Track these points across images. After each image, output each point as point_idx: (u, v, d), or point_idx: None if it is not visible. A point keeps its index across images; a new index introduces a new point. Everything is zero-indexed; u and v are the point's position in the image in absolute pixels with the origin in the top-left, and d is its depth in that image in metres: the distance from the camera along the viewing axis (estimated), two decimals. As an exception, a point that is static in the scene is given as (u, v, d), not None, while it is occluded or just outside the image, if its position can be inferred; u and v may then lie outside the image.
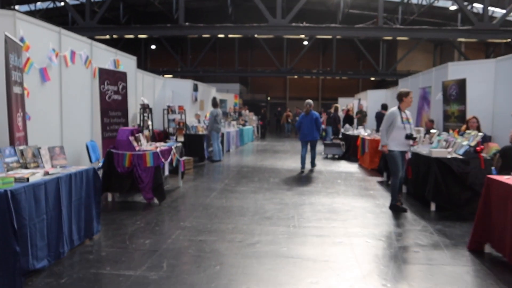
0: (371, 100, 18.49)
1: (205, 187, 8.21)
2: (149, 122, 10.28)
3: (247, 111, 22.08)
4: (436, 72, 11.16)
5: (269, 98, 38.70)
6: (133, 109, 10.22)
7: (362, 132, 13.36)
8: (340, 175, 9.87)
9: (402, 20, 29.17)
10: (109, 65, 9.02)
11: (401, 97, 6.65)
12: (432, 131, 8.36)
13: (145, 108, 10.21)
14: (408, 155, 6.82)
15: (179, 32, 20.42)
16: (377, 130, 12.96)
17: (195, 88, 15.81)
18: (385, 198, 7.33)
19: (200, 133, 12.19)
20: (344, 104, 22.96)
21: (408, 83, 13.49)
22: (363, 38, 25.17)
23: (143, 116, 10.26)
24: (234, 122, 16.48)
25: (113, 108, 8.82)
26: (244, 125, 18.68)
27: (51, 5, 29.68)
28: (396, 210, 6.57)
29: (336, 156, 13.55)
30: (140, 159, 6.78)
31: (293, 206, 6.67)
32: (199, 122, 13.70)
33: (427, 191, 6.57)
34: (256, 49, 37.32)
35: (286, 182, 8.81)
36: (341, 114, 17.21)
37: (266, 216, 6.04)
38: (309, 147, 10.85)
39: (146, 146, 7.35)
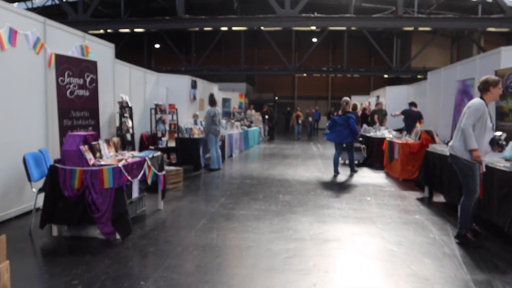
0: (390, 97, 16.26)
1: (193, 211, 6.07)
2: (129, 124, 8.17)
3: (253, 111, 19.93)
4: (482, 60, 8.90)
5: (276, 98, 36.51)
6: (110, 109, 8.13)
7: (387, 133, 11.14)
8: (367, 189, 7.67)
9: (419, 13, 26.82)
10: (73, 52, 6.93)
11: (488, 86, 4.52)
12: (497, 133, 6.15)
13: (123, 106, 8.10)
14: (483, 168, 4.62)
15: (179, 25, 18.36)
16: (407, 131, 10.77)
17: (194, 85, 13.70)
18: (439, 227, 5.14)
19: (196, 136, 10.06)
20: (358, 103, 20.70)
21: (441, 76, 11.24)
22: (380, 29, 22.77)
23: (121, 117, 8.17)
24: (237, 123, 14.34)
25: (77, 107, 6.73)
26: (249, 126, 16.52)
27: (49, 2, 27.81)
28: (467, 243, 4.44)
29: (356, 162, 11.33)
30: (94, 177, 4.67)
31: (313, 245, 4.50)
32: (196, 123, 11.58)
33: (510, 221, 4.37)
34: (263, 47, 35.16)
35: (300, 201, 6.64)
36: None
37: (274, 267, 3.88)
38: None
39: (108, 158, 5.23)
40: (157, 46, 35.64)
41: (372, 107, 16.45)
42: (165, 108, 9.60)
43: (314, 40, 30.75)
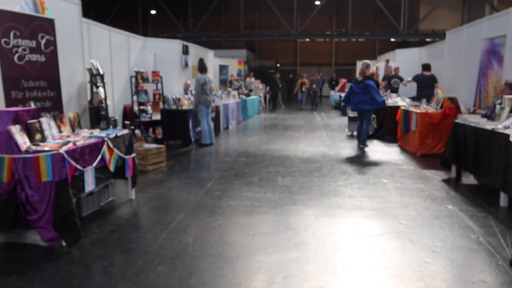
0: (400, 61, 14.73)
1: (172, 201, 4.88)
2: (102, 95, 6.88)
3: (252, 79, 18.48)
4: (517, 14, 7.45)
5: (278, 65, 34.78)
6: (79, 77, 6.82)
7: (400, 101, 9.80)
8: (382, 168, 6.43)
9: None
10: (22, 8, 5.56)
11: None
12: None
13: (94, 75, 6.79)
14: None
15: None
16: (418, 98, 9.43)
17: (185, 51, 12.28)
18: (480, 224, 3.93)
19: (184, 108, 8.77)
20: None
21: (462, 35, 9.75)
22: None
23: (92, 88, 6.89)
24: (234, 92, 12.99)
25: (30, 76, 5.43)
26: (248, 95, 15.16)
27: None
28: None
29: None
30: (28, 168, 3.45)
31: (319, 256, 3.31)
32: (186, 93, 10.27)
33: None
34: (264, 11, 33.16)
35: (303, 186, 5.42)
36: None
37: (265, 298, 2.71)
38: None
39: (55, 141, 4.00)
40: (153, 12, 33.69)
41: (381, 73, 15.00)
42: (148, 76, 8.27)
43: (317, 3, 28.78)
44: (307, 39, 31.05)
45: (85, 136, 4.24)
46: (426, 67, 9.62)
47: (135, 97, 8.16)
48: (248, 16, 32.16)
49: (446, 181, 5.66)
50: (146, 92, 8.28)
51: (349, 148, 8.29)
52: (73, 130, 4.59)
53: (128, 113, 9.06)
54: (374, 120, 9.89)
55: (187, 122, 8.55)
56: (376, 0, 25.65)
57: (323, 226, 3.98)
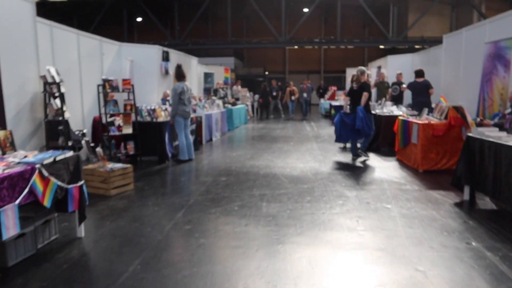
0: (392, 68, 13.98)
1: (129, 239, 3.87)
2: (56, 106, 5.86)
3: (239, 87, 17.57)
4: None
5: (267, 73, 33.99)
6: (33, 87, 5.81)
7: (396, 110, 8.95)
8: (383, 189, 5.51)
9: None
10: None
11: None
12: None
13: (48, 84, 5.78)
14: None
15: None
16: (414, 106, 8.62)
17: (165, 57, 11.32)
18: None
19: (160, 120, 7.79)
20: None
21: (461, 39, 8.96)
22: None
23: (48, 99, 5.89)
24: (219, 101, 12.03)
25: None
26: (234, 104, 14.22)
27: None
28: None
29: (359, 146, 9.17)
30: None
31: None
32: (164, 102, 9.30)
33: None
34: (252, 19, 32.40)
35: (292, 215, 4.46)
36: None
37: None
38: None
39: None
40: (139, 19, 32.72)
41: (372, 80, 14.20)
42: (118, 84, 7.28)
43: (305, 10, 28.10)
44: (296, 47, 30.31)
45: (11, 162, 3.25)
46: (419, 73, 8.83)
47: (103, 109, 7.15)
48: (236, 23, 31.35)
49: (459, 206, 4.76)
50: (116, 102, 7.28)
51: (343, 163, 7.38)
52: (4, 153, 3.60)
53: (97, 126, 8.07)
54: (369, 131, 9.00)
55: (163, 135, 7.56)
56: (364, 7, 25.00)
57: (319, 276, 3.03)
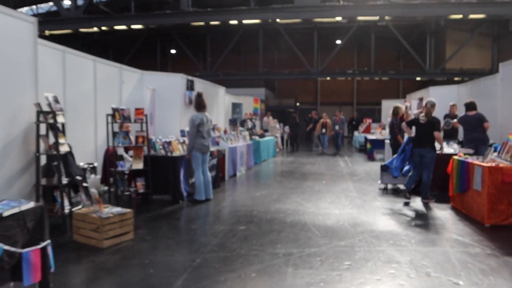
0: (434, 100, 12.62)
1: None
2: (61, 140, 4.98)
3: (270, 118, 16.60)
4: None
5: (298, 104, 33.07)
6: (27, 116, 4.99)
7: (446, 148, 7.61)
8: (444, 252, 4.18)
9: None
10: None
11: None
12: None
13: (43, 113, 4.91)
14: None
15: (182, 20, 15.39)
16: (466, 143, 7.31)
17: (190, 86, 10.54)
18: None
19: (176, 154, 6.82)
20: (389, 108, 17.12)
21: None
22: (421, 18, 18.89)
23: (46, 130, 5.03)
24: (245, 133, 11.04)
25: None
26: (262, 135, 13.20)
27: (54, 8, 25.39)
28: None
29: (401, 188, 7.85)
30: None
31: None
32: (183, 134, 8.38)
33: None
34: (284, 51, 31.89)
35: (326, 290, 3.27)
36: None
37: None
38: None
39: None
40: (173, 51, 32.90)
41: (412, 113, 12.87)
42: (129, 114, 6.40)
43: (338, 42, 27.28)
44: (328, 78, 29.36)
45: None
46: (470, 106, 7.53)
47: (115, 141, 6.26)
48: (267, 55, 30.90)
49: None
50: (127, 134, 6.38)
51: (386, 210, 6.09)
52: None
53: (111, 160, 7.18)
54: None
55: (178, 172, 6.56)
56: (400, 38, 23.87)
57: None
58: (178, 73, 10.69)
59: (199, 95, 6.78)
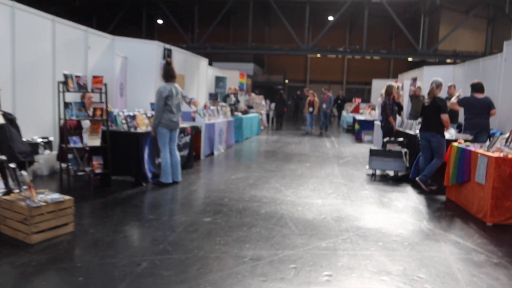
0: (428, 80, 11.83)
1: None
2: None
3: (252, 95, 15.64)
4: None
5: (287, 81, 32.07)
6: None
7: (453, 133, 6.86)
8: (443, 258, 3.45)
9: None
10: None
11: None
12: None
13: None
14: None
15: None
16: (468, 129, 6.55)
17: (168, 55, 9.53)
18: None
19: (142, 130, 5.93)
20: (382, 87, 16.31)
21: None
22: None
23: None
24: (226, 109, 10.14)
25: None
26: (246, 112, 12.31)
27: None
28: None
29: (391, 175, 7.12)
30: None
31: None
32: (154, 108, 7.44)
33: None
34: (274, 25, 30.61)
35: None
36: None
37: None
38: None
39: None
40: (160, 22, 31.33)
41: (406, 94, 12.13)
42: (85, 82, 5.46)
43: (330, 18, 26.11)
44: (318, 55, 28.33)
45: None
46: (478, 87, 6.66)
47: (67, 113, 5.32)
48: (257, 29, 29.59)
49: None
50: (82, 105, 5.45)
51: (374, 201, 5.34)
52: None
53: (70, 130, 6.26)
54: (407, 156, 6.95)
55: (141, 150, 5.69)
56: (393, 16, 22.84)
57: None
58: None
59: (168, 63, 5.85)
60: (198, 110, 8.11)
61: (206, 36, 24.75)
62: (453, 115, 8.03)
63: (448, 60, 24.11)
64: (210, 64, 23.01)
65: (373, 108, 14.08)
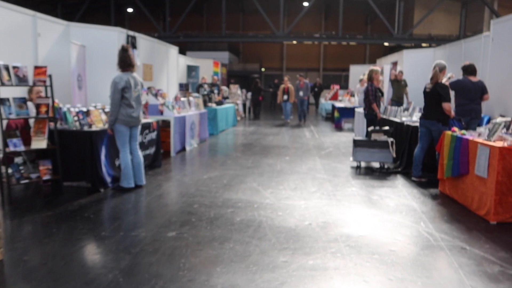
0: (409, 64, 11.36)
1: None
2: None
3: (224, 87, 14.82)
4: None
5: (263, 69, 31.30)
6: None
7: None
8: (459, 279, 2.88)
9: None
10: None
11: None
12: None
13: None
14: None
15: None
16: (461, 114, 6.02)
17: (132, 43, 8.64)
18: None
19: (98, 128, 5.12)
20: (360, 73, 15.81)
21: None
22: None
23: None
24: (198, 100, 9.35)
25: None
26: (220, 103, 11.54)
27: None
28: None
29: (379, 167, 6.54)
30: None
31: None
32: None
33: None
34: (249, 13, 29.67)
35: None
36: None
37: None
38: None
39: None
40: (130, 10, 29.91)
41: (386, 79, 11.61)
42: (25, 73, 4.60)
43: (305, 4, 25.36)
44: (294, 42, 27.65)
45: None
46: (471, 69, 6.09)
47: (2, 111, 4.47)
48: (232, 16, 28.61)
49: None
50: (23, 102, 4.60)
51: (363, 200, 4.74)
52: None
53: (16, 129, 5.38)
54: (393, 145, 6.37)
55: (97, 151, 4.90)
56: (369, 1, 22.31)
57: None
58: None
59: (124, 49, 5.05)
60: (165, 103, 7.31)
61: (178, 25, 23.64)
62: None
63: (424, 44, 23.84)
64: (183, 53, 22.03)
65: (352, 95, 13.54)
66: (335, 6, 26.35)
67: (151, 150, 6.18)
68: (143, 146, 5.88)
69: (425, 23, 24.74)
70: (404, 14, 26.04)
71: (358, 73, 16.97)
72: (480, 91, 6.02)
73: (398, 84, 10.27)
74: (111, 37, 8.17)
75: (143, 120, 6.04)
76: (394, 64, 11.66)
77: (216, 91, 13.55)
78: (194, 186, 5.28)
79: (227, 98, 13.57)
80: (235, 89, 14.70)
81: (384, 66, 12.28)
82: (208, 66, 15.02)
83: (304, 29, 27.20)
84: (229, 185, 5.27)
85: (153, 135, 6.23)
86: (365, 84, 11.38)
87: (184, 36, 24.63)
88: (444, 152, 4.96)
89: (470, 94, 5.99)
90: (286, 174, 5.96)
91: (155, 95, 7.52)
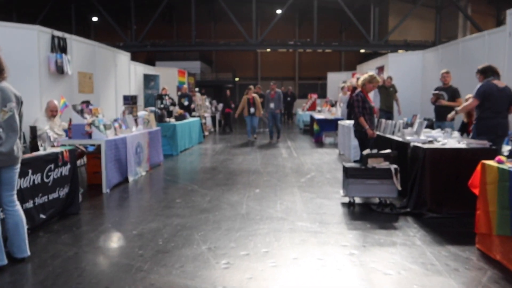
0: (394, 69, 9.76)
1: None
2: None
3: (196, 95, 12.93)
4: None
5: (237, 79, 29.54)
6: None
7: (444, 139, 4.59)
8: None
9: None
10: None
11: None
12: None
13: None
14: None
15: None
16: (476, 131, 4.34)
17: (59, 47, 6.65)
18: None
19: None
20: (338, 81, 14.25)
21: None
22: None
23: None
24: (150, 116, 7.38)
25: None
26: (182, 117, 9.59)
27: None
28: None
29: (379, 204, 4.71)
30: None
31: None
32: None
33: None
34: (221, 21, 27.93)
35: None
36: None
37: None
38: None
39: None
40: (95, 19, 27.69)
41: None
42: None
43: (278, 11, 23.82)
44: (268, 49, 26.02)
45: None
46: (494, 71, 4.45)
47: None
48: (203, 25, 26.77)
49: None
50: None
51: (366, 274, 2.91)
52: None
53: None
54: (398, 174, 4.58)
55: None
56: (344, 8, 20.96)
57: None
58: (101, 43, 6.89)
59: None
60: (94, 122, 5.33)
61: (145, 34, 21.66)
62: (444, 110, 5.78)
63: (400, 51, 22.65)
64: (152, 64, 19.99)
65: (332, 105, 11.87)
66: (309, 13, 24.98)
67: (61, 193, 4.20)
68: (44, 189, 3.92)
69: (401, 30, 23.64)
70: (379, 20, 24.86)
71: (336, 81, 15.41)
72: (508, 100, 4.38)
73: (387, 91, 8.63)
74: (28, 37, 6.18)
75: (47, 150, 4.08)
76: (380, 69, 10.06)
77: (186, 103, 11.66)
78: (109, 257, 3.32)
79: (193, 110, 11.66)
80: (202, 101, 12.78)
81: (368, 72, 10.66)
82: (171, 75, 13.05)
83: (278, 37, 25.67)
84: (163, 251, 3.33)
85: (65, 170, 4.25)
86: (348, 93, 9.76)
87: (151, 45, 22.66)
88: (488, 196, 3.20)
89: (497, 105, 4.33)
90: (253, 223, 4.08)
91: (81, 112, 5.54)
